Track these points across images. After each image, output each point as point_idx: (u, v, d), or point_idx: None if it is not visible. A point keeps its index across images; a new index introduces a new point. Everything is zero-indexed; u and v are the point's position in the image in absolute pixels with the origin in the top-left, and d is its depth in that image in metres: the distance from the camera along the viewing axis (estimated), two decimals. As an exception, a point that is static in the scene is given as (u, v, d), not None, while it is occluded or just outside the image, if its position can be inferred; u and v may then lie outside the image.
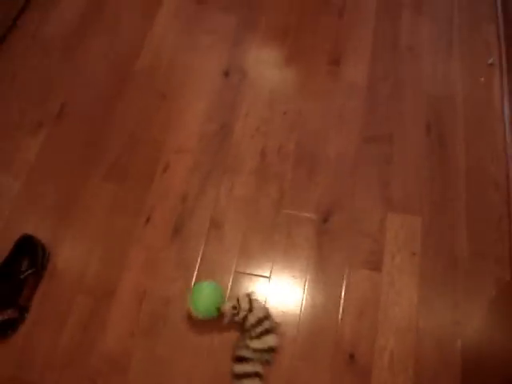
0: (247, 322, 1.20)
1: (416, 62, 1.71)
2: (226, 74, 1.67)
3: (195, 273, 1.33)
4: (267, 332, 1.20)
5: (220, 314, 1.22)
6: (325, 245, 1.37)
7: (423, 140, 1.55)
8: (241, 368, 1.18)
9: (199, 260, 1.34)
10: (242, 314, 1.20)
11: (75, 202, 1.42)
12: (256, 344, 1.19)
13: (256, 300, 1.24)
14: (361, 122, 1.58)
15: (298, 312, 1.29)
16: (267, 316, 1.22)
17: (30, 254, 1.31)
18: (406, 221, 1.41)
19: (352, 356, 1.24)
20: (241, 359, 1.19)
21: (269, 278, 1.33)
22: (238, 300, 1.22)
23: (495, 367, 1.07)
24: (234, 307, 1.20)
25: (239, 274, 1.32)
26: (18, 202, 1.43)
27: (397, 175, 1.48)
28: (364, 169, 1.49)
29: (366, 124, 1.58)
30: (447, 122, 1.59)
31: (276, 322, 1.25)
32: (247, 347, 1.19)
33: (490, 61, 1.72)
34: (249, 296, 1.23)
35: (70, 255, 1.35)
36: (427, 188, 1.46)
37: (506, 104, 1.61)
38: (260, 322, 1.20)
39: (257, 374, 1.18)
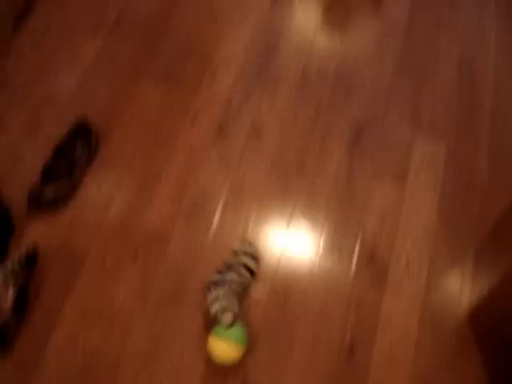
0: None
1: (455, 8, 1.80)
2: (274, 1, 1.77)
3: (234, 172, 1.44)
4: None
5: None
6: (354, 157, 1.48)
7: (455, 76, 1.64)
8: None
9: (237, 160, 1.45)
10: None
11: (127, 99, 1.54)
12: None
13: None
14: (398, 53, 1.68)
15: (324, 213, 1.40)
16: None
17: (84, 137, 1.43)
18: (433, 144, 1.51)
19: (372, 256, 1.35)
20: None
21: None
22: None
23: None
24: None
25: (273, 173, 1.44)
26: (76, 95, 1.55)
27: (427, 102, 1.58)
28: (397, 95, 1.59)
29: (402, 55, 1.67)
30: (479, 61, 1.68)
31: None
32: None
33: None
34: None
35: (121, 142, 1.47)
36: (454, 115, 1.56)
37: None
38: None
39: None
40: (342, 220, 1.39)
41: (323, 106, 1.56)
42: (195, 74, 1.59)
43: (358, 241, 1.36)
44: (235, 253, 1.30)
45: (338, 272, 1.32)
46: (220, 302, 1.19)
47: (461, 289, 1.32)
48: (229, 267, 1.26)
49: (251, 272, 1.28)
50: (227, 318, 1.16)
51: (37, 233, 1.34)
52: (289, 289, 1.29)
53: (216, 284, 1.23)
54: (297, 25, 1.72)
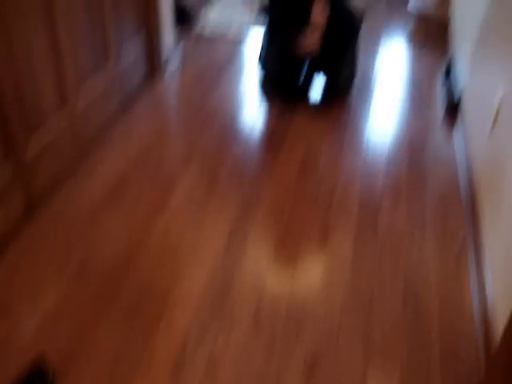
0: None
1: (394, 245, 1.98)
2: (229, 244, 1.93)
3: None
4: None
5: None
6: (310, 392, 1.49)
7: (400, 305, 1.75)
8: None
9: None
10: None
11: (86, 340, 1.58)
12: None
13: None
14: (346, 287, 1.80)
15: None
16: None
17: (40, 379, 1.43)
18: (386, 372, 1.54)
19: None
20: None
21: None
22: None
23: None
24: None
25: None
26: (35, 335, 1.58)
27: (376, 333, 1.65)
28: (347, 328, 1.66)
29: (349, 289, 1.79)
30: (422, 293, 1.80)
31: None
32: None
33: (458, 243, 1.99)
34: None
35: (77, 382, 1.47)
36: (404, 344, 1.62)
37: (474, 279, 1.83)
38: None
39: None
40: None
41: (277, 342, 1.61)
42: (153, 314, 1.66)
43: None
44: None
45: None
46: None
47: None
48: None
49: None
50: None
51: None
52: None
53: None
54: (250, 264, 1.86)
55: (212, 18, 3.63)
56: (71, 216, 2.01)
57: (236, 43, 3.43)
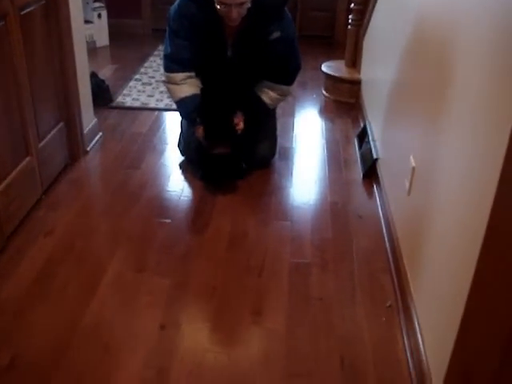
0: None
1: (326, 310, 2.00)
2: (162, 327, 1.89)
3: None
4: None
5: None
6: None
7: (339, 373, 1.75)
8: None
9: None
10: None
11: None
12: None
13: None
14: (283, 362, 1.78)
15: None
16: None
17: None
18: None
19: None
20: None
21: None
22: None
23: None
24: None
25: None
26: None
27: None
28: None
29: (287, 364, 1.78)
30: (358, 356, 1.81)
31: None
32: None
33: (388, 304, 2.04)
34: None
35: None
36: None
37: (406, 337, 1.87)
38: None
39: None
40: None
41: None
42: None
43: None
44: None
45: None
46: None
47: None
48: None
49: None
50: None
51: None
52: None
53: None
54: (186, 348, 1.82)
55: (130, 94, 3.69)
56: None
57: (155, 113, 3.49)
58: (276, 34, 2.60)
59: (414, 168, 2.04)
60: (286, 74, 2.79)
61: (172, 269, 2.18)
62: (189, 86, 2.70)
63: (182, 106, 2.76)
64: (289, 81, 2.83)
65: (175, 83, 2.71)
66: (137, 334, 1.86)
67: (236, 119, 2.72)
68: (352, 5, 3.73)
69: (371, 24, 3.49)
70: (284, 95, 2.86)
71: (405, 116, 2.36)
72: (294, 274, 2.17)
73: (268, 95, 2.77)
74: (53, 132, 2.67)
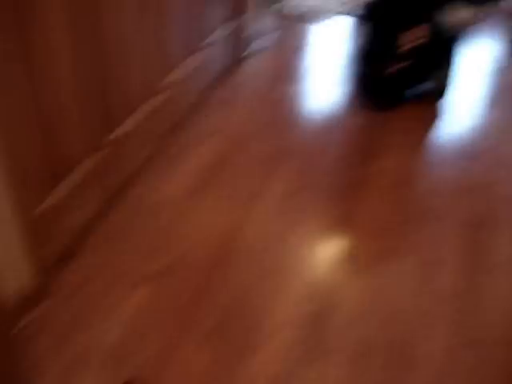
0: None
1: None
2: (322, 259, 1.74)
3: None
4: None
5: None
6: None
7: None
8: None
9: None
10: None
11: (170, 358, 1.41)
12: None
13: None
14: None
15: None
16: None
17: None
18: None
19: None
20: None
21: None
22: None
23: None
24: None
25: None
26: (116, 350, 1.43)
27: None
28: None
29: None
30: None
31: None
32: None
33: None
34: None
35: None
36: None
37: None
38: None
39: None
40: None
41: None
42: (244, 338, 1.48)
43: None
44: None
45: None
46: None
47: None
48: None
49: None
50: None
51: None
52: None
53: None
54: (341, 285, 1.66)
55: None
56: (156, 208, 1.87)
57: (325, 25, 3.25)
58: None
59: None
60: None
61: (342, 198, 2.01)
62: None
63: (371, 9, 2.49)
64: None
65: None
66: (296, 262, 1.72)
67: (411, 35, 2.41)
68: None
69: None
70: (476, 19, 2.48)
71: None
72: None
73: (459, 12, 2.41)
74: (221, 30, 2.50)
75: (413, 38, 2.42)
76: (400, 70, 2.48)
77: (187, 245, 1.75)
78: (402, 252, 1.79)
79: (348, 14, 3.27)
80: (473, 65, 2.97)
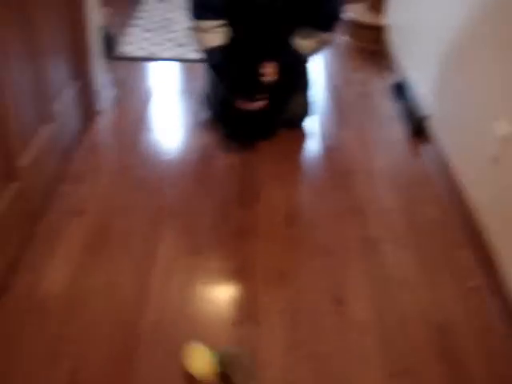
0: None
1: (413, 292, 1.81)
2: (240, 322, 1.67)
3: None
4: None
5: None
6: None
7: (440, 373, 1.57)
8: None
9: None
10: None
11: None
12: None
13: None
14: (380, 358, 1.59)
15: None
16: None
17: None
18: None
19: None
20: None
21: None
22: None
23: None
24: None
25: None
26: None
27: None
28: None
29: (385, 359, 1.59)
30: (458, 347, 1.64)
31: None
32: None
33: (471, 284, 1.86)
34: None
35: None
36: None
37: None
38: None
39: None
40: None
41: None
42: None
43: None
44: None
45: None
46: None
47: None
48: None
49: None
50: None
51: None
52: None
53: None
54: (267, 350, 1.60)
55: (134, 42, 3.32)
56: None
57: (166, 63, 3.19)
58: None
59: (504, 136, 1.82)
60: (325, 17, 2.46)
61: (230, 250, 1.93)
62: (220, 35, 2.39)
63: (211, 55, 2.46)
64: (329, 26, 2.50)
65: (205, 31, 2.39)
66: (210, 329, 1.63)
67: (265, 69, 2.42)
68: None
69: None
70: (323, 43, 2.54)
71: (477, 66, 2.10)
72: (365, 251, 1.96)
73: (304, 42, 2.45)
74: (68, 92, 2.32)
75: (266, 73, 2.42)
76: (257, 105, 2.48)
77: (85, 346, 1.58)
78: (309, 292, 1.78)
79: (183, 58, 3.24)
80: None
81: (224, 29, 2.39)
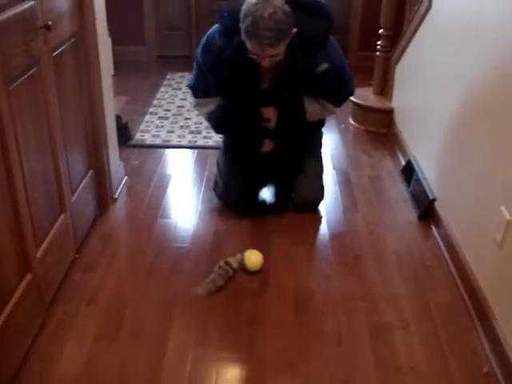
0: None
1: (425, 382, 1.78)
2: None
3: None
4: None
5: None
6: None
7: None
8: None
9: None
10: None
11: None
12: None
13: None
14: None
15: None
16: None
17: None
18: None
19: None
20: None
21: None
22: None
23: None
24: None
25: None
26: None
27: None
28: None
29: None
30: None
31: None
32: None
33: (485, 370, 1.82)
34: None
35: None
36: None
37: None
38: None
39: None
40: None
41: None
42: None
43: None
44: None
45: None
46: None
47: None
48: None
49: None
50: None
51: None
52: None
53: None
54: None
55: (148, 130, 3.45)
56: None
57: (179, 151, 3.30)
58: (323, 66, 2.36)
59: (509, 221, 1.84)
60: (335, 98, 2.57)
61: (240, 339, 1.93)
62: (216, 100, 2.55)
63: (211, 118, 2.61)
64: (337, 103, 2.60)
65: (203, 105, 2.59)
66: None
67: (266, 112, 2.51)
68: (381, 30, 3.54)
69: (409, 51, 3.29)
70: (327, 112, 2.62)
71: (480, 154, 2.15)
72: (375, 338, 1.94)
73: (310, 103, 2.53)
74: (83, 182, 2.41)
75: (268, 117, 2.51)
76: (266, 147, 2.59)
77: None
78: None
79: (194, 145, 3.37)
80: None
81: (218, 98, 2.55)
